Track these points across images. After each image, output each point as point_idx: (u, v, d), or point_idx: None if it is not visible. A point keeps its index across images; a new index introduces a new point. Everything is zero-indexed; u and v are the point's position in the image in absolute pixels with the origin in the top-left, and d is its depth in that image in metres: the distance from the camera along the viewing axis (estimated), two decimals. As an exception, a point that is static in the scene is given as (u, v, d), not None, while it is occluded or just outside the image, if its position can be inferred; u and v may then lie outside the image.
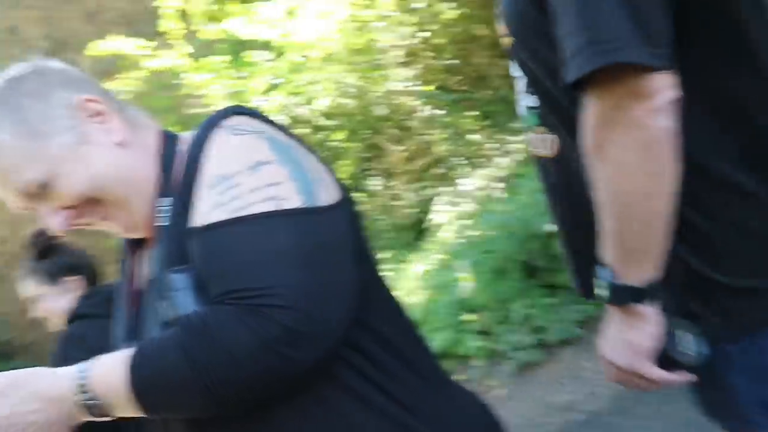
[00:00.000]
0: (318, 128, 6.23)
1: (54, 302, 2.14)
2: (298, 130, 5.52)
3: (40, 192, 0.95)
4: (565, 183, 1.16)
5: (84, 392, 0.86)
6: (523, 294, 4.25)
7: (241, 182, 0.88)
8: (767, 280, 1.10)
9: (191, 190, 0.92)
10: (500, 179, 5.48)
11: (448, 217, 5.69)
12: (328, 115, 6.28)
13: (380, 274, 1.06)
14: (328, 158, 5.37)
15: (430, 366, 1.07)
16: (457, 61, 6.03)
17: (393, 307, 1.06)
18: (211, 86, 6.38)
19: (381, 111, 6.26)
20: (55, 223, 0.97)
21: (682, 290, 1.11)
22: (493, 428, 1.08)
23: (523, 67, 1.17)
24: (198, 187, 0.91)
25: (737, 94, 1.05)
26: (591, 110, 0.98)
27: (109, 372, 0.87)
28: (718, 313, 1.10)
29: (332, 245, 0.89)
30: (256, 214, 0.86)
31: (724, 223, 1.07)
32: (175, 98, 7.14)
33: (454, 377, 4.20)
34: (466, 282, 4.64)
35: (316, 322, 0.82)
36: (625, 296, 1.03)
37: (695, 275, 1.09)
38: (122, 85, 6.83)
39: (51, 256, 2.16)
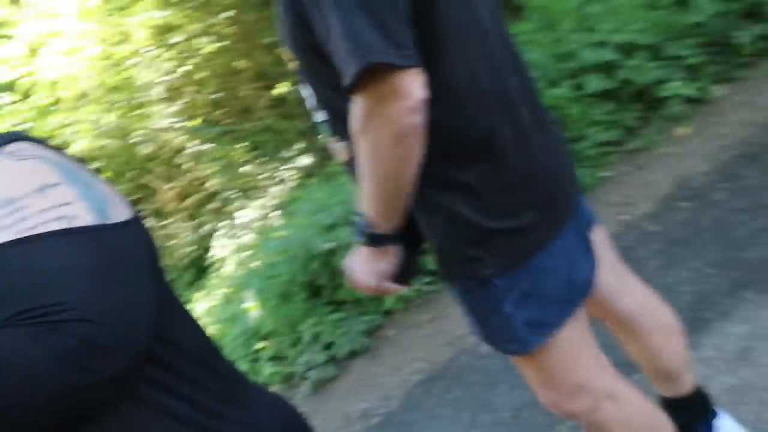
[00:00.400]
0: (78, 172, 5.83)
1: None
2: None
3: None
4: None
5: None
6: (310, 314, 4.34)
7: (28, 204, 0.84)
8: (519, 220, 1.42)
9: None
10: (276, 207, 5.58)
11: (229, 250, 5.64)
12: (87, 159, 5.92)
13: (173, 290, 1.06)
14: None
15: (233, 373, 1.09)
16: (221, 94, 6.05)
17: (190, 319, 1.07)
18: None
19: (146, 150, 6.05)
20: None
21: (465, 242, 1.43)
22: (301, 424, 1.13)
23: (310, 85, 1.43)
24: None
25: (450, 81, 1.37)
26: (358, 105, 1.25)
27: None
28: (490, 254, 1.43)
29: (127, 260, 0.88)
30: (47, 232, 0.82)
31: (483, 178, 1.40)
32: None
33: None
34: (253, 311, 4.65)
35: (116, 333, 0.81)
36: (377, 240, 1.41)
37: (470, 225, 1.42)
38: None
39: None
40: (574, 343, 1.53)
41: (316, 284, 4.36)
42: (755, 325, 2.67)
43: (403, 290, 1.54)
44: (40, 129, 5.61)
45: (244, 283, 4.91)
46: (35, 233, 0.82)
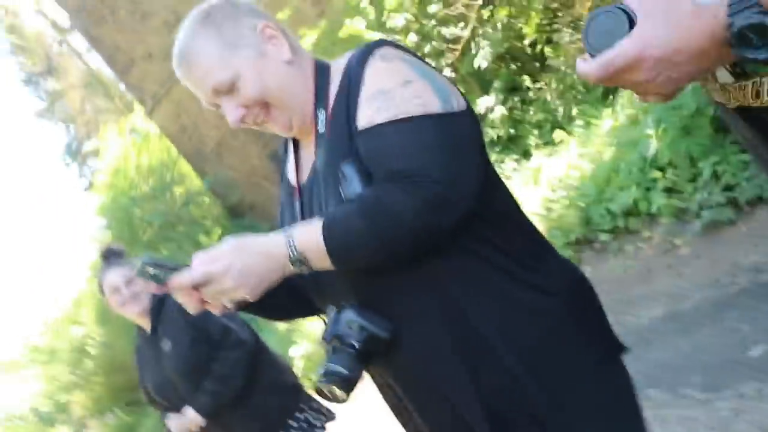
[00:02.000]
0: None
1: (141, 293, 2.45)
2: None
3: (226, 90, 1.22)
4: None
5: (291, 247, 1.12)
6: (712, 151, 4.00)
7: (395, 95, 1.15)
8: None
9: (351, 102, 1.19)
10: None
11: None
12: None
13: (495, 170, 1.30)
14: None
15: (536, 233, 1.31)
16: None
17: (508, 192, 1.30)
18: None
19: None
20: (233, 115, 1.24)
21: None
22: (589, 287, 1.28)
23: None
24: (360, 99, 1.18)
25: None
26: None
27: (309, 233, 1.12)
28: None
29: (466, 140, 1.17)
30: (410, 116, 1.13)
31: None
32: None
33: (641, 235, 4.18)
34: (652, 139, 4.46)
35: (457, 192, 1.11)
36: None
37: None
38: None
39: (122, 258, 2.49)
40: None
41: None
42: None
43: None
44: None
45: (648, 107, 4.68)
46: (402, 117, 1.14)
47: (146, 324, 2.55)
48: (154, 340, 2.54)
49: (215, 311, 1.20)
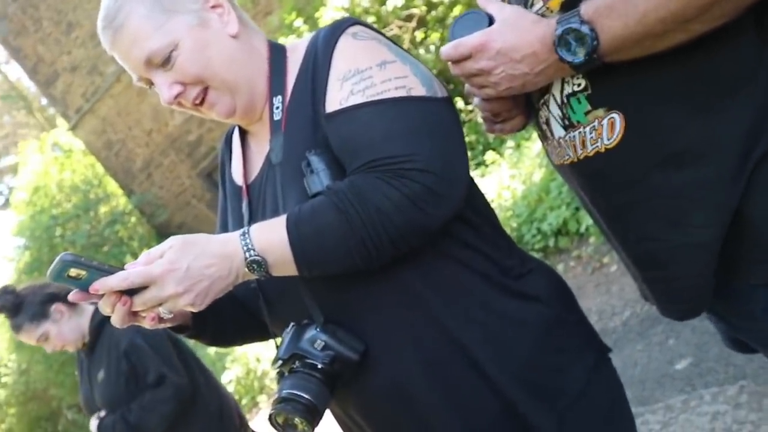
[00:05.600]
0: None
1: (60, 330, 2.36)
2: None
3: (161, 62, 1.04)
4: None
5: (249, 249, 0.94)
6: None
7: (373, 75, 1.00)
8: None
9: (317, 85, 1.03)
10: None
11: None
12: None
13: None
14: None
15: (509, 238, 1.18)
16: None
17: (482, 193, 1.15)
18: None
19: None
20: (168, 93, 1.06)
21: None
22: (567, 290, 1.16)
23: None
24: (329, 80, 1.01)
25: None
26: None
27: (270, 231, 0.95)
28: None
29: (452, 127, 1.01)
30: (391, 98, 0.97)
31: None
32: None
33: (571, 253, 4.23)
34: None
35: (448, 184, 0.94)
36: None
37: None
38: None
39: (23, 305, 2.34)
40: None
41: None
42: None
43: None
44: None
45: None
46: (382, 98, 0.98)
47: (85, 340, 2.40)
48: (90, 361, 2.41)
49: (147, 325, 0.97)
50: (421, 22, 6.75)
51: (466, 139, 6.84)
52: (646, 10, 0.79)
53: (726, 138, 0.83)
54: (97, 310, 2.29)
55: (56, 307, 2.37)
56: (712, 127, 0.83)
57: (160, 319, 0.98)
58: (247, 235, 0.95)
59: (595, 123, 0.90)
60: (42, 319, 2.36)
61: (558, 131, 0.96)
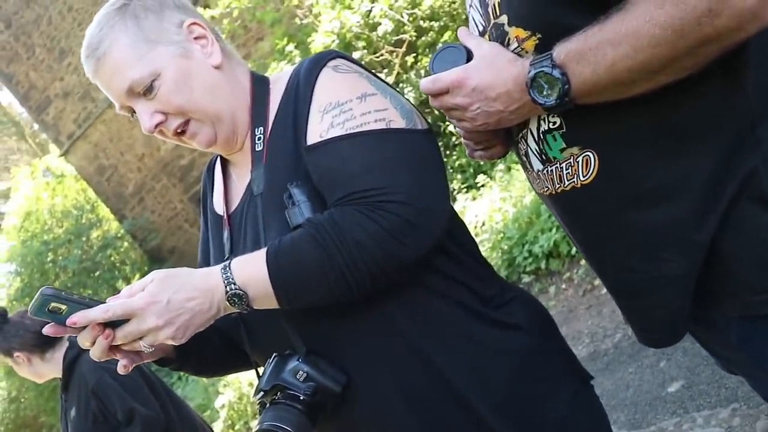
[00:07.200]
0: None
1: (24, 372, 2.38)
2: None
3: (142, 91, 1.05)
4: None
5: (230, 283, 0.94)
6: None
7: (353, 108, 1.01)
8: None
9: (298, 116, 1.03)
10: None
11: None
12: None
13: None
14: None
15: (493, 269, 1.19)
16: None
17: (463, 223, 1.18)
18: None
19: None
20: (149, 122, 1.06)
21: None
22: (549, 319, 1.17)
23: None
24: (310, 112, 1.02)
25: None
26: None
27: (250, 265, 0.95)
28: None
29: (431, 159, 1.02)
30: (370, 130, 0.99)
31: None
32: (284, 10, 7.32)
33: (562, 276, 4.21)
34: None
35: (426, 216, 0.94)
36: None
37: None
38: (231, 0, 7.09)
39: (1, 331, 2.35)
40: None
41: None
42: None
43: None
44: None
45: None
46: (362, 130, 0.99)
47: (60, 377, 2.39)
48: (66, 399, 2.40)
49: (125, 362, 0.97)
50: (411, 47, 6.82)
51: (457, 162, 6.92)
52: (614, 60, 0.80)
53: (696, 178, 0.84)
54: (69, 348, 2.29)
55: (18, 355, 2.36)
56: (682, 169, 0.85)
57: (139, 355, 0.99)
58: (228, 269, 0.96)
59: (571, 160, 0.92)
60: (6, 357, 2.37)
61: (537, 164, 0.98)
